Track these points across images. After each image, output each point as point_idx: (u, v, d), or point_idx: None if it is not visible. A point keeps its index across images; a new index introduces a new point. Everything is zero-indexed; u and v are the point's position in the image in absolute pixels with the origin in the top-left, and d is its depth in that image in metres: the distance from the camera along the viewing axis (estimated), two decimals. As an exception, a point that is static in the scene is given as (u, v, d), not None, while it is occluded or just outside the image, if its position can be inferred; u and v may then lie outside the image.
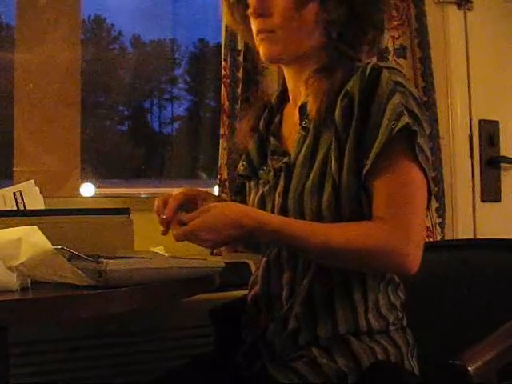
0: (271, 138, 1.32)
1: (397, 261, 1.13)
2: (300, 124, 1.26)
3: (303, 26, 1.22)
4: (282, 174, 1.25)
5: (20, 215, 1.32)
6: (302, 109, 1.26)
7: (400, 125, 1.12)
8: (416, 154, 1.14)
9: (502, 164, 2.54)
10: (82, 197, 2.31)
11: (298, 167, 1.22)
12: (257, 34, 1.25)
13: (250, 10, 1.24)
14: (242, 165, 1.38)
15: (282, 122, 1.34)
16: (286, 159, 1.26)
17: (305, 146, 1.23)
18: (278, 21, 1.22)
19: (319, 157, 1.20)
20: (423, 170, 1.15)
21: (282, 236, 1.15)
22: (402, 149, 1.14)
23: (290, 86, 1.31)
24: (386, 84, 1.15)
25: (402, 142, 1.14)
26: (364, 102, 1.16)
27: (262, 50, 1.25)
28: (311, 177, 1.19)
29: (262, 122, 1.36)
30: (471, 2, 2.48)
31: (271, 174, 1.28)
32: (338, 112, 1.18)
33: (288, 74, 1.31)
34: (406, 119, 1.13)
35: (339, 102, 1.18)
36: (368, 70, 1.17)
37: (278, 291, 1.24)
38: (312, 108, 1.21)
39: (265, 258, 1.28)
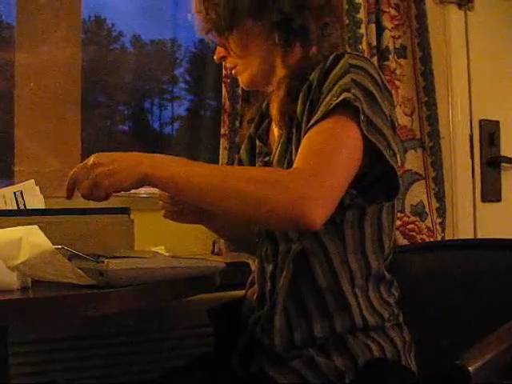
0: (257, 141, 1.38)
1: (298, 209, 1.03)
2: (276, 125, 1.29)
3: (248, 44, 1.27)
4: None
5: (20, 215, 1.32)
6: None
7: (338, 100, 1.10)
8: (358, 124, 1.10)
9: (502, 164, 2.54)
10: (82, 196, 2.31)
11: (275, 165, 1.25)
12: (231, 72, 1.34)
13: (214, 58, 1.34)
14: None
15: (270, 125, 1.37)
16: (266, 159, 1.31)
17: (280, 143, 1.26)
18: (234, 56, 1.29)
19: (289, 152, 1.22)
20: (369, 141, 1.11)
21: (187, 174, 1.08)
22: (338, 119, 1.10)
23: None
24: (341, 66, 1.16)
25: (341, 115, 1.10)
26: (319, 86, 1.17)
27: (239, 81, 1.34)
28: None
29: (252, 126, 1.41)
30: (472, 2, 2.48)
31: None
32: (299, 102, 1.20)
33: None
34: (347, 95, 1.10)
35: (301, 93, 1.20)
36: (330, 59, 1.18)
37: (266, 288, 1.26)
38: (275, 110, 1.26)
39: (258, 258, 1.30)
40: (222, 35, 1.27)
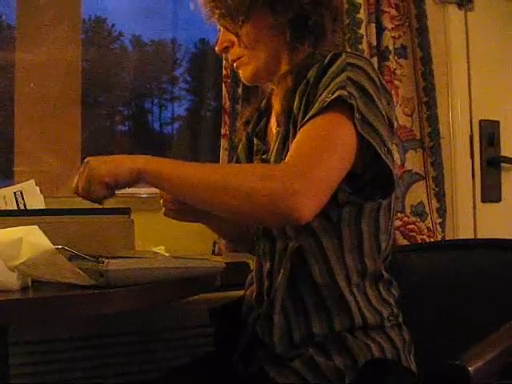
0: (254, 139, 1.38)
1: (287, 203, 1.03)
2: (276, 120, 1.29)
3: (259, 36, 1.27)
4: None
5: (20, 215, 1.32)
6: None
7: (333, 97, 1.11)
8: (353, 122, 1.10)
9: (502, 164, 2.54)
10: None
11: (273, 162, 1.26)
12: (232, 64, 1.33)
13: (216, 49, 1.32)
14: None
15: (268, 123, 1.38)
16: (264, 156, 1.31)
17: (277, 140, 1.26)
18: (241, 46, 1.28)
19: (287, 148, 1.22)
20: (364, 138, 1.11)
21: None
22: (333, 115, 1.11)
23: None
24: (338, 64, 1.16)
25: (336, 112, 1.11)
26: (316, 83, 1.17)
27: (240, 75, 1.33)
28: None
29: (250, 125, 1.41)
30: (472, 2, 2.48)
31: None
32: (296, 99, 1.21)
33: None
34: (342, 92, 1.11)
35: (298, 90, 1.21)
36: (328, 57, 1.19)
37: (264, 286, 1.26)
38: (278, 105, 1.26)
39: (255, 257, 1.30)
40: (237, 22, 1.25)
